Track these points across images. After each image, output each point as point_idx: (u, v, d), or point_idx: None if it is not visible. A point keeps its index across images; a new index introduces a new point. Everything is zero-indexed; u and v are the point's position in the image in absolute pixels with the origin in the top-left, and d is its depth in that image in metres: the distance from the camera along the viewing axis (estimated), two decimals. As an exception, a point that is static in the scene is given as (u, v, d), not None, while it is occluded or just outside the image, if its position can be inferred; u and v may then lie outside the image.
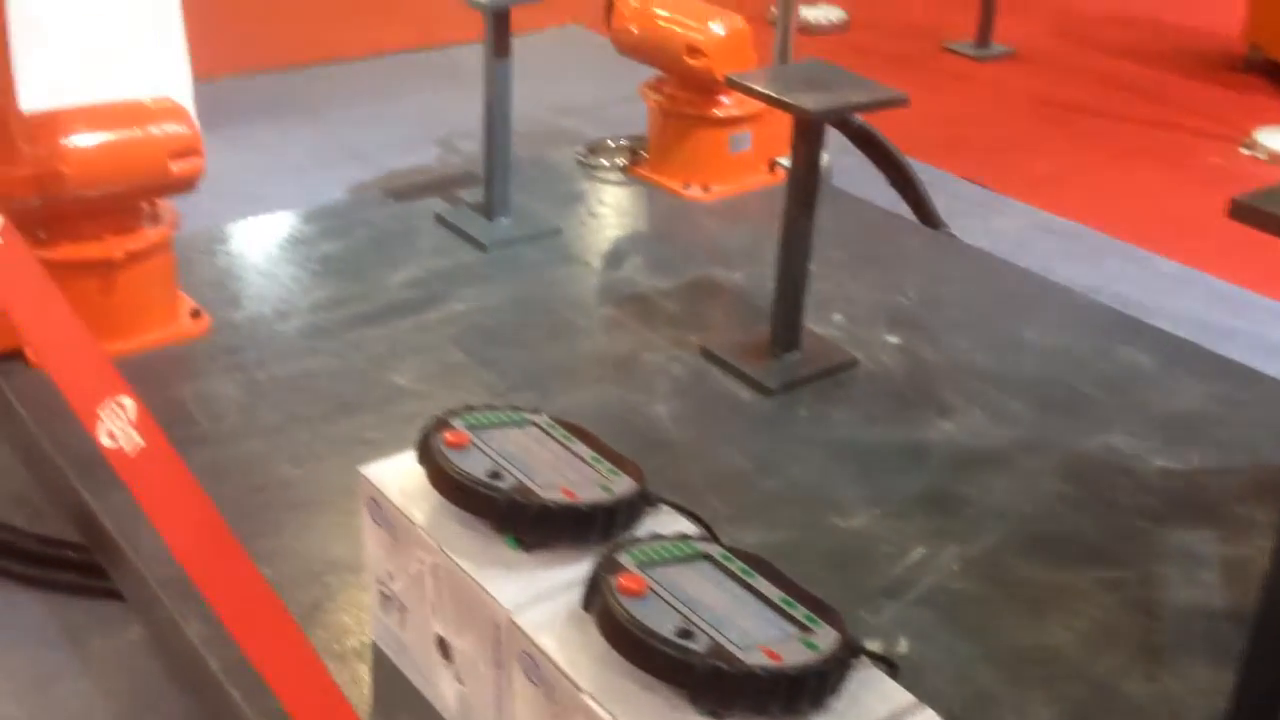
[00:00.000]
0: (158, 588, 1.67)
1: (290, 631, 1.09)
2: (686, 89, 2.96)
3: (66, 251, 2.11)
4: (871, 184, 3.20)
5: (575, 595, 1.23)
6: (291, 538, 1.78)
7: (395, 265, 2.58)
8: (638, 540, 1.26)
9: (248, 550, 1.21)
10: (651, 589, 1.17)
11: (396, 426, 2.02)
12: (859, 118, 3.04)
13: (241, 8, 5.11)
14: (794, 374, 2.23)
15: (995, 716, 1.54)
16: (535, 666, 1.22)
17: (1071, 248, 3.40)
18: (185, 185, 2.19)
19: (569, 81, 4.41)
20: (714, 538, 1.35)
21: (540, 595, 1.27)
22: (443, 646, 1.39)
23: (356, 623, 1.62)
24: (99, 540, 1.84)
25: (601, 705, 1.13)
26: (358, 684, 1.54)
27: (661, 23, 2.94)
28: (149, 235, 2.18)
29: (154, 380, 2.09)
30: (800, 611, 1.18)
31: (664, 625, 1.13)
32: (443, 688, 1.42)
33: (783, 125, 3.00)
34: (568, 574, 1.28)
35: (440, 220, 2.78)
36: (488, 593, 1.28)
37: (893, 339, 2.38)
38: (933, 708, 1.17)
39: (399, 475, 1.43)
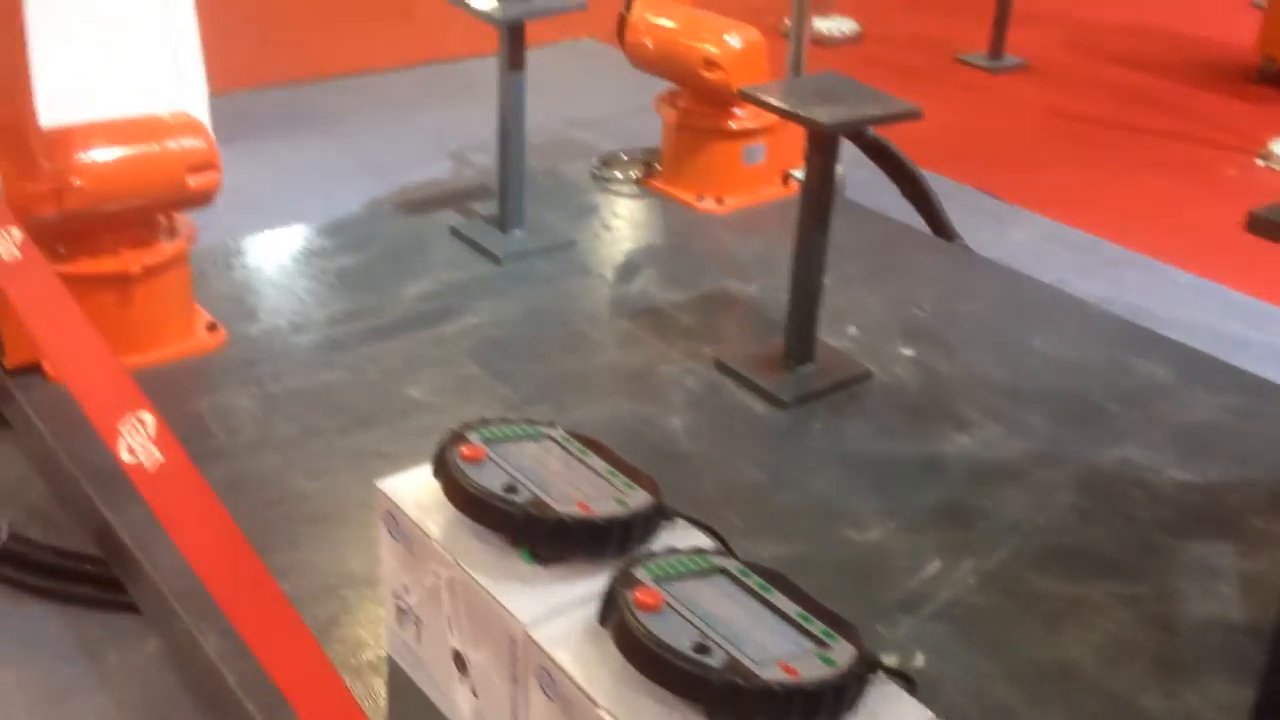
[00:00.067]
0: (174, 601, 1.67)
1: (308, 646, 1.10)
2: (701, 102, 2.97)
3: (84, 266, 2.12)
4: (885, 196, 3.20)
5: (591, 610, 1.23)
6: (308, 551, 1.79)
7: (410, 278, 2.59)
8: (654, 555, 1.26)
9: (264, 564, 1.21)
10: (668, 604, 1.17)
11: (411, 440, 2.03)
12: (873, 130, 3.04)
13: (256, 22, 5.14)
14: (808, 387, 2.22)
15: (1012, 731, 1.54)
16: (551, 681, 1.22)
17: (1086, 259, 3.39)
18: (202, 199, 2.20)
19: (582, 94, 4.42)
20: (730, 552, 1.34)
21: (556, 610, 1.27)
22: (458, 660, 1.40)
23: (372, 636, 1.62)
24: (116, 553, 1.85)
25: (618, 720, 1.13)
26: (373, 698, 1.54)
27: (677, 36, 2.95)
28: (166, 249, 2.20)
29: (171, 394, 2.09)
30: (817, 626, 1.18)
31: (681, 640, 1.13)
32: (458, 702, 1.42)
33: (796, 137, 3.01)
34: (583, 588, 1.28)
35: (455, 233, 2.78)
36: (504, 607, 1.28)
37: (907, 352, 2.37)
38: (950, 723, 1.16)
39: (415, 489, 1.43)
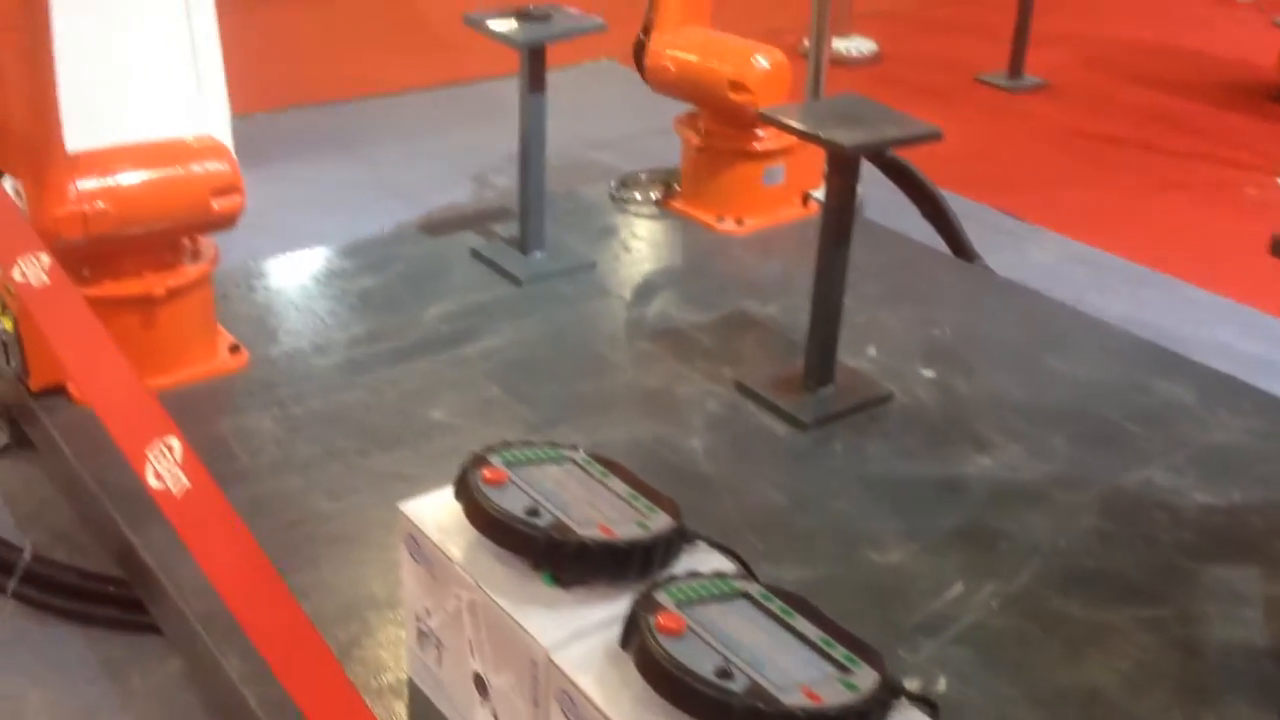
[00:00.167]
0: (197, 623, 1.68)
1: (332, 670, 1.10)
2: (722, 123, 2.97)
3: (108, 288, 2.14)
4: (905, 216, 3.20)
5: (613, 633, 1.23)
6: (329, 572, 1.79)
7: (431, 300, 2.60)
8: (676, 578, 1.26)
9: (286, 585, 1.22)
10: (690, 628, 1.17)
11: (433, 461, 2.04)
12: (892, 150, 3.04)
13: (278, 44, 5.19)
14: (829, 408, 2.22)
15: (1035, 756, 1.53)
16: (573, 705, 1.22)
17: (1106, 280, 3.38)
18: (226, 222, 2.22)
19: (601, 115, 4.44)
20: (751, 575, 1.34)
21: (578, 633, 1.27)
22: (480, 684, 1.40)
23: (393, 659, 1.62)
24: (139, 575, 1.86)
25: (640, 745, 1.13)
26: (395, 720, 1.54)
27: (701, 59, 2.95)
28: (189, 272, 2.21)
29: (194, 415, 2.11)
30: (840, 651, 1.17)
31: (703, 665, 1.13)
32: (480, 725, 1.42)
33: (815, 158, 3.02)
34: (605, 611, 1.28)
35: (475, 255, 2.80)
36: (525, 630, 1.28)
37: (928, 373, 2.37)
38: (973, 749, 1.16)
39: (437, 512, 1.44)
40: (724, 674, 1.12)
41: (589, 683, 1.21)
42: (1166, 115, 4.78)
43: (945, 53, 5.49)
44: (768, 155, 2.98)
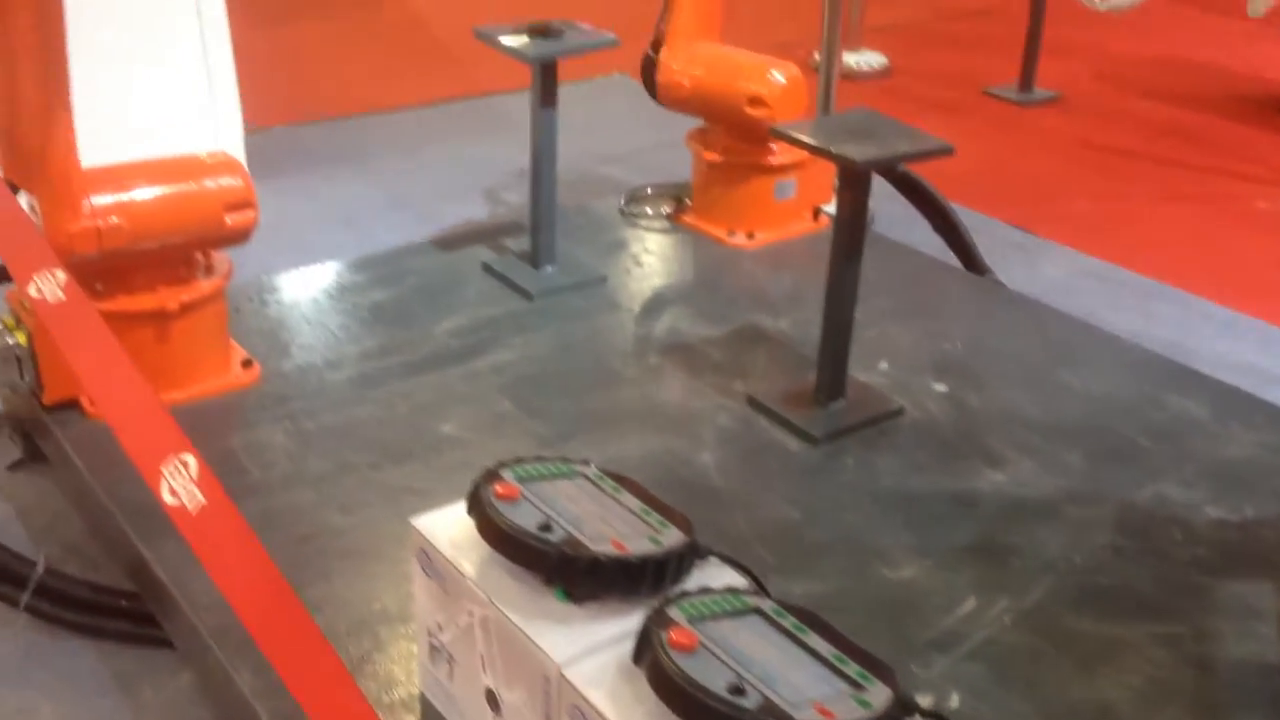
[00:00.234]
0: (209, 637, 1.68)
1: (345, 684, 1.10)
2: (737, 138, 2.97)
3: (122, 303, 2.15)
4: (916, 230, 3.20)
5: (625, 648, 1.23)
6: (341, 586, 1.79)
7: (443, 314, 2.61)
8: (688, 594, 1.26)
9: (300, 601, 1.22)
10: (703, 644, 1.17)
11: (444, 475, 2.04)
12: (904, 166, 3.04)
13: (290, 59, 5.21)
14: (840, 422, 2.22)
15: (1049, 773, 1.53)
16: (585, 721, 1.22)
17: (1118, 293, 3.38)
18: (240, 237, 2.23)
19: (612, 129, 4.45)
20: (763, 590, 1.34)
21: (590, 648, 1.27)
22: (492, 699, 1.40)
23: (405, 674, 1.62)
24: (151, 589, 1.86)
25: (653, 761, 1.13)
26: (406, 735, 1.54)
27: (718, 75, 2.95)
28: (203, 286, 2.22)
29: (206, 430, 2.12)
30: (852, 668, 1.17)
31: (715, 682, 1.12)
32: (492, 740, 1.42)
33: (826, 173, 3.02)
34: (618, 627, 1.28)
35: (487, 269, 2.80)
36: (538, 646, 1.28)
37: (939, 387, 2.37)
38: (987, 766, 1.16)
39: (449, 527, 1.44)
40: (736, 690, 1.12)
41: (601, 698, 1.21)
42: (1177, 129, 4.77)
43: (955, 67, 5.50)
44: (779, 170, 2.98)
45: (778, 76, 2.89)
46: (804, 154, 2.76)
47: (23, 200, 2.04)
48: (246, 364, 2.34)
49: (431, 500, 1.49)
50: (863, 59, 5.34)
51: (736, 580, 1.37)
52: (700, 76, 2.98)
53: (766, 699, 1.11)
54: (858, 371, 2.31)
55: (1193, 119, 4.89)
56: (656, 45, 3.04)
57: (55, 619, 2.08)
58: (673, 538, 1.35)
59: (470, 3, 6.19)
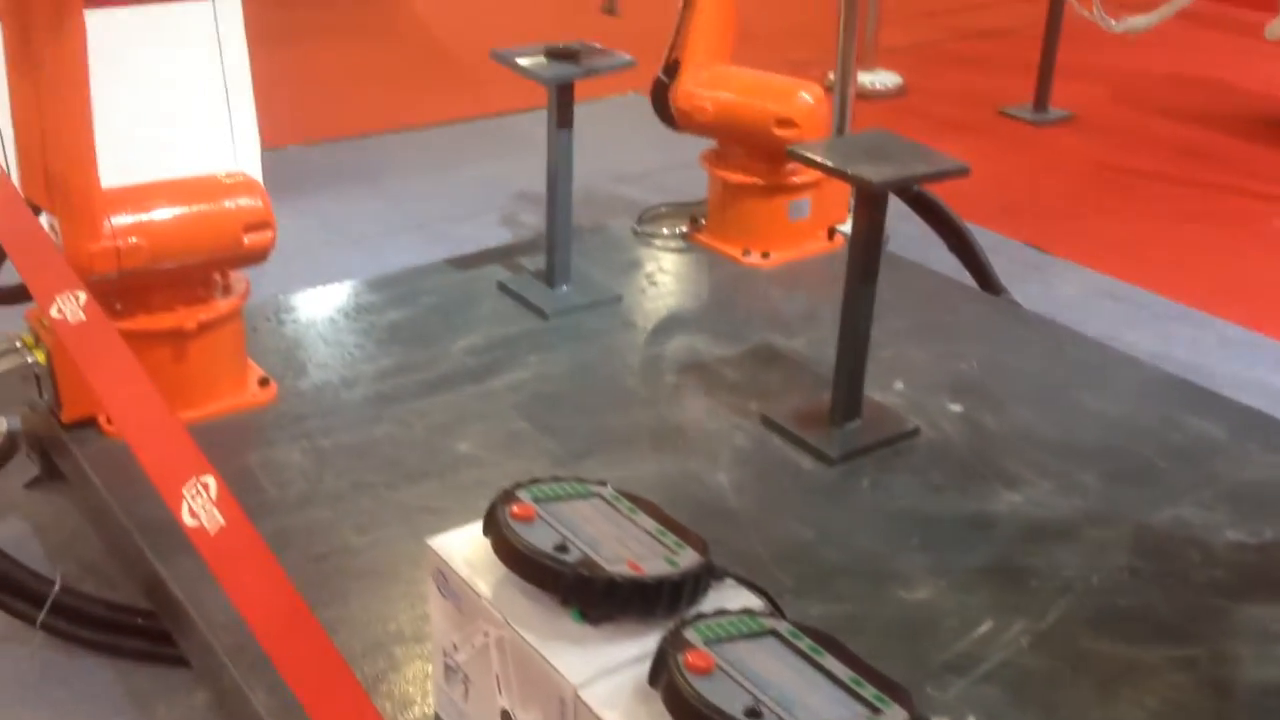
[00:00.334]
0: (224, 655, 1.69)
1: (361, 704, 1.10)
2: (756, 159, 2.98)
3: (140, 322, 2.16)
4: (931, 250, 3.20)
5: (641, 670, 1.23)
6: (357, 606, 1.80)
7: (458, 333, 2.61)
8: (704, 616, 1.26)
9: (317, 621, 1.22)
10: (719, 666, 1.17)
11: (460, 494, 2.05)
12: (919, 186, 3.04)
13: (307, 79, 5.25)
14: (856, 443, 2.22)
15: (1067, 797, 1.52)
16: (601, 742, 1.22)
17: (1135, 313, 3.37)
18: (258, 257, 2.24)
19: (626, 149, 4.46)
20: (780, 612, 1.34)
21: (606, 670, 1.27)
22: (507, 720, 1.40)
23: (420, 694, 1.62)
24: (167, 607, 1.87)
25: (669, 784, 1.13)
26: (422, 756, 1.54)
27: (744, 98, 2.96)
28: (220, 306, 2.23)
29: (223, 448, 2.12)
30: (869, 691, 1.17)
31: (732, 704, 1.12)
32: (507, 761, 1.42)
33: (841, 192, 3.02)
34: (634, 648, 1.28)
35: (502, 288, 2.81)
36: (553, 667, 1.28)
37: (955, 407, 2.36)
38: (1005, 791, 1.15)
39: (466, 547, 1.44)
40: (753, 713, 1.12)
41: (617, 720, 1.21)
42: (1193, 149, 4.77)
43: (969, 86, 5.50)
44: (795, 190, 2.99)
45: (806, 98, 2.90)
46: (819, 174, 2.78)
47: (43, 221, 2.06)
48: (263, 383, 2.35)
49: (447, 519, 1.49)
50: (877, 79, 5.35)
51: (752, 602, 1.36)
52: (725, 100, 2.98)
53: (783, 722, 1.11)
54: (873, 391, 2.31)
55: (1209, 139, 4.88)
56: (669, 70, 3.04)
57: (72, 637, 2.09)
58: (689, 559, 1.35)
59: (482, 22, 6.24)
